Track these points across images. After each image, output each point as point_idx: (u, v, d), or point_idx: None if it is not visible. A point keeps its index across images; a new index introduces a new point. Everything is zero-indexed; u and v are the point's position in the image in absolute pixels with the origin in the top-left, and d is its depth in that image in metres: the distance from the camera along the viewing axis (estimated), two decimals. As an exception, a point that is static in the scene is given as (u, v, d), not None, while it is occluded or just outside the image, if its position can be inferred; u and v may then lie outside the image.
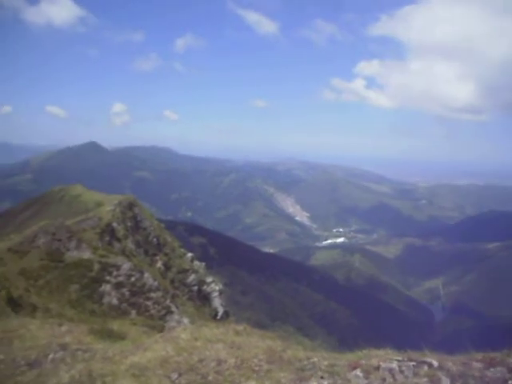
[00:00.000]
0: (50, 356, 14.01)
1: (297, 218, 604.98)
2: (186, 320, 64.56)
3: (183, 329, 15.60)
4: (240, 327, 15.32)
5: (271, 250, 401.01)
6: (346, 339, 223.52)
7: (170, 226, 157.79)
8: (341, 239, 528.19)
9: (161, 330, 49.40)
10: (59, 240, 66.69)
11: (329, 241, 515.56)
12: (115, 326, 21.30)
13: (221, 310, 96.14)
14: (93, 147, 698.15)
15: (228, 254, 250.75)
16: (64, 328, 17.09)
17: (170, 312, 60.70)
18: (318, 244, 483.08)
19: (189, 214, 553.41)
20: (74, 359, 14.00)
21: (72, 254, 64.96)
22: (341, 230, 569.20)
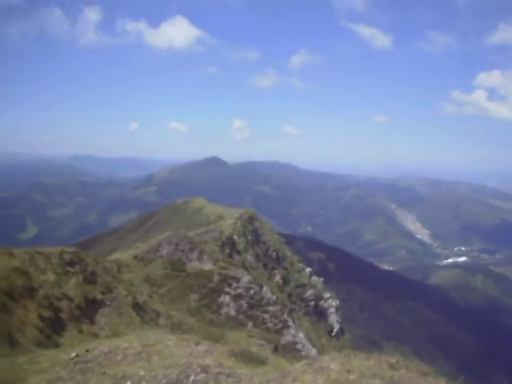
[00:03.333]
0: (191, 377, 13.63)
1: (417, 236, 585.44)
2: (301, 335, 64.37)
3: (331, 358, 14.67)
4: (393, 359, 14.34)
5: (390, 268, 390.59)
6: (464, 365, 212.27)
7: (290, 240, 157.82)
8: (462, 258, 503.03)
9: (276, 343, 49.65)
10: (182, 250, 68.97)
11: (450, 260, 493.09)
12: (254, 348, 20.91)
13: (336, 327, 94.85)
14: (214, 162, 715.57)
15: (346, 269, 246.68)
16: (202, 347, 16.61)
17: (286, 326, 60.70)
18: (438, 263, 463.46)
19: (309, 228, 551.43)
20: None
21: (193, 265, 66.86)
22: (463, 248, 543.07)
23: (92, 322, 35.72)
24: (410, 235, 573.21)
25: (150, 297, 53.02)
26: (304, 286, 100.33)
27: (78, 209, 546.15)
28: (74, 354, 15.92)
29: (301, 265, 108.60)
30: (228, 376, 13.72)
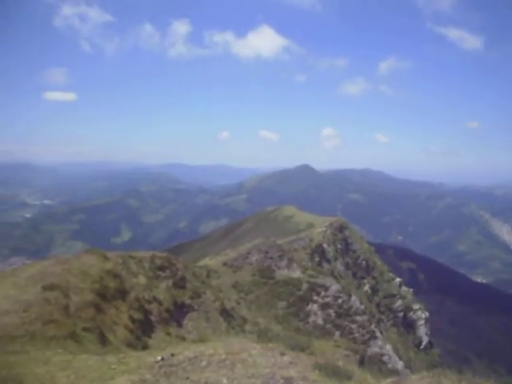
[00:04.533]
0: (274, 388, 13.55)
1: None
2: (388, 347, 63.01)
3: (420, 378, 13.97)
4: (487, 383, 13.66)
5: (483, 280, 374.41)
6: None
7: (380, 249, 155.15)
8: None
9: (363, 355, 48.81)
10: (271, 258, 69.28)
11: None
12: (340, 361, 20.41)
13: (425, 340, 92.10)
14: (305, 170, 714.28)
15: (437, 280, 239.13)
16: (287, 358, 16.18)
17: (373, 337, 59.64)
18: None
19: (399, 237, 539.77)
20: None
21: (282, 272, 67.03)
22: None
23: (180, 325, 36.52)
24: (504, 246, 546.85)
25: (238, 303, 53.52)
26: (393, 296, 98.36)
27: (171, 215, 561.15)
28: (159, 358, 16.16)
29: (390, 274, 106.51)
30: (311, 390, 13.32)
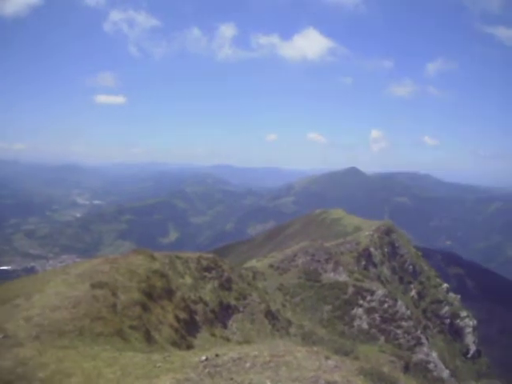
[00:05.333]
0: (318, 393, 13.37)
1: None
2: (434, 354, 61.86)
3: None
4: None
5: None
6: None
7: (427, 254, 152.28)
8: None
9: (408, 361, 48.12)
10: (318, 261, 69.14)
11: None
12: (385, 367, 20.19)
13: (472, 348, 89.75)
14: (353, 173, 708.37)
15: (486, 287, 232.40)
16: (331, 362, 16.26)
17: (419, 343, 58.63)
18: None
19: (448, 242, 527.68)
20: None
21: (328, 276, 66.80)
22: None
23: (225, 326, 36.77)
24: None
25: (283, 305, 53.53)
26: (440, 302, 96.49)
27: (218, 216, 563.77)
28: (204, 358, 16.31)
29: (438, 280, 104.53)
30: (356, 395, 13.26)
